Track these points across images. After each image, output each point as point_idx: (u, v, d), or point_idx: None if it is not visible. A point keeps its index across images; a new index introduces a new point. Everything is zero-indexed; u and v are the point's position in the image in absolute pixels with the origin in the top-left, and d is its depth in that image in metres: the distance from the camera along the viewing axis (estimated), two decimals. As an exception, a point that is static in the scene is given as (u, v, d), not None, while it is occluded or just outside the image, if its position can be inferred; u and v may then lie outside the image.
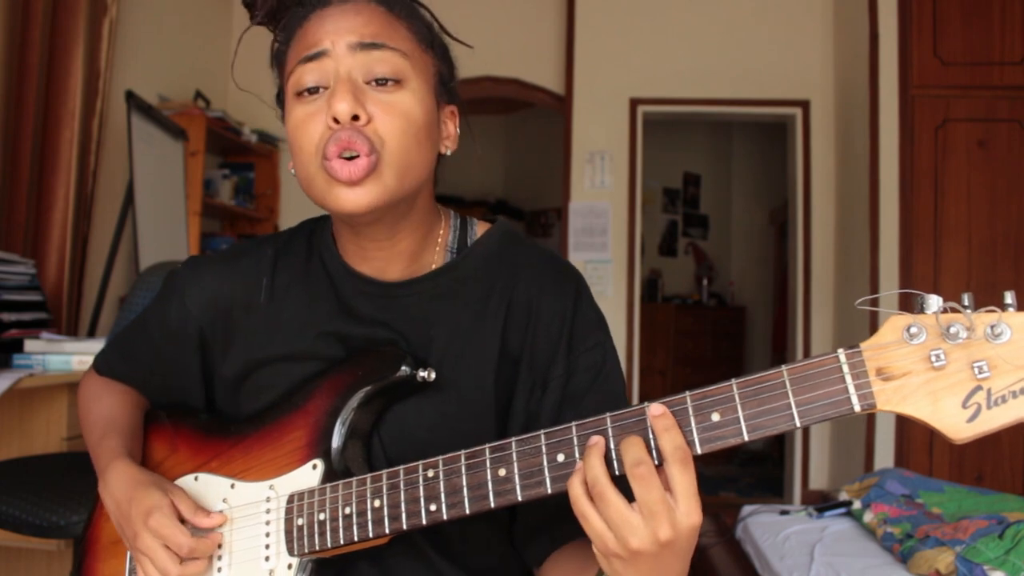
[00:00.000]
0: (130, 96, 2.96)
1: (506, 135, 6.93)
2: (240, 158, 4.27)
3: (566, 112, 4.35)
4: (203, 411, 0.98)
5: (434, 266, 0.90)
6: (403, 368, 0.81)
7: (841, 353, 0.60)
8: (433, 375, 0.82)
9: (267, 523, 0.83)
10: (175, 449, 0.94)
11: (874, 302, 0.62)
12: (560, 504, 0.80)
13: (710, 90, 4.30)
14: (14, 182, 2.66)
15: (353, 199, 0.78)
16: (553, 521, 0.85)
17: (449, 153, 0.89)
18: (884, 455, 3.51)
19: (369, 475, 0.77)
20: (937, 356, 0.57)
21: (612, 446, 0.65)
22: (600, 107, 4.33)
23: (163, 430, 0.98)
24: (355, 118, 0.77)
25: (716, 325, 6.24)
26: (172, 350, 0.97)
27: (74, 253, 2.86)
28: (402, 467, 0.75)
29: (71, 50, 2.84)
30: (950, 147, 3.51)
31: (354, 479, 0.78)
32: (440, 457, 0.73)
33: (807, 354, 4.22)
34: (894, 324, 0.59)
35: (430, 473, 0.73)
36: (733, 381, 0.63)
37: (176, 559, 0.80)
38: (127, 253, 3.11)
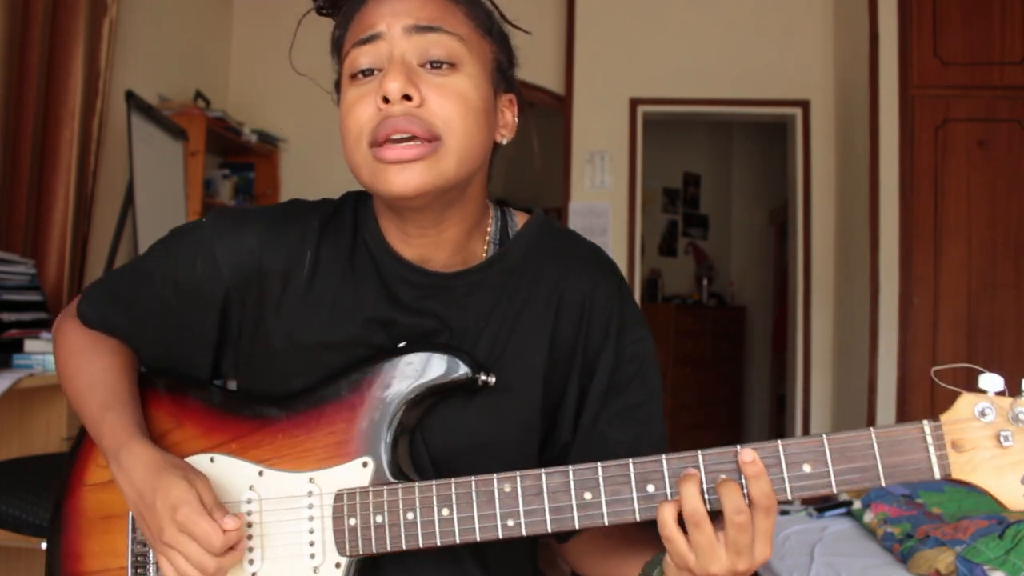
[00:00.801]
0: (130, 96, 2.96)
1: (506, 135, 6.92)
2: (240, 158, 4.27)
3: (566, 112, 4.35)
4: (209, 383, 0.91)
5: (481, 257, 0.88)
6: (463, 369, 0.79)
7: (926, 425, 0.67)
8: (493, 380, 0.81)
9: (310, 519, 0.79)
10: (180, 423, 0.88)
11: (947, 380, 0.71)
12: None
13: (710, 90, 4.30)
14: (14, 182, 2.66)
15: (403, 179, 0.76)
16: None
17: (505, 142, 0.87)
18: (884, 455, 3.51)
19: (434, 482, 0.75)
20: (1005, 437, 0.66)
21: (703, 481, 0.69)
22: (600, 107, 4.33)
23: (162, 399, 0.91)
24: (407, 98, 0.75)
25: (716, 325, 6.24)
26: (187, 310, 0.88)
27: (74, 253, 2.86)
28: (474, 478, 0.74)
29: (71, 50, 2.84)
30: (950, 147, 3.51)
31: (417, 485, 0.75)
32: (517, 473, 0.72)
33: (807, 354, 4.23)
34: (967, 402, 0.67)
35: (507, 488, 0.72)
36: (824, 436, 0.68)
37: (211, 553, 0.76)
38: (127, 253, 3.11)
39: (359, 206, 0.91)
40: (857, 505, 2.32)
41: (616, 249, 4.29)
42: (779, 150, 5.18)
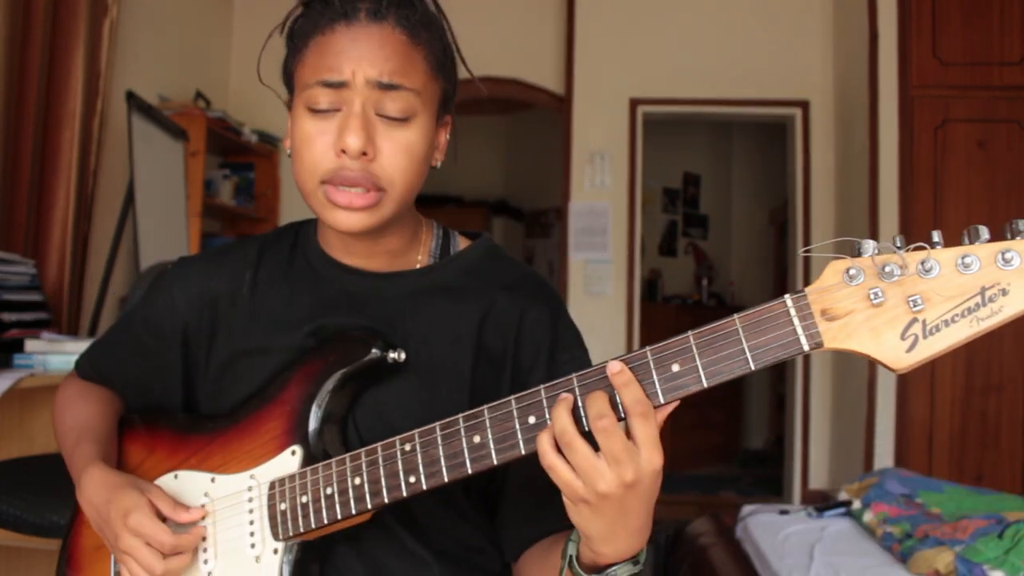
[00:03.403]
0: (130, 96, 2.96)
1: (506, 135, 6.93)
2: (240, 158, 4.27)
3: (566, 112, 4.35)
4: (180, 411, 0.98)
5: (418, 266, 0.94)
6: (373, 351, 0.84)
7: (788, 298, 0.64)
8: (403, 356, 0.85)
9: (250, 511, 0.84)
10: (152, 451, 0.95)
11: (816, 249, 0.66)
12: (534, 504, 0.86)
13: (710, 90, 4.30)
14: (14, 182, 2.66)
15: (349, 223, 0.84)
16: (528, 520, 0.88)
17: (439, 166, 0.93)
18: (884, 455, 3.51)
19: (348, 455, 0.79)
20: (875, 294, 0.62)
21: (580, 404, 0.68)
22: (600, 107, 4.33)
23: (137, 433, 0.99)
24: (363, 153, 0.82)
25: (716, 325, 6.23)
26: (156, 347, 0.98)
27: (74, 253, 2.86)
28: (380, 444, 0.77)
29: (71, 50, 2.84)
30: (949, 147, 3.51)
31: (333, 460, 0.80)
32: (416, 431, 0.75)
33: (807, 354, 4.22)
34: (835, 268, 0.63)
35: (407, 447, 0.75)
36: (690, 332, 0.66)
37: (160, 556, 0.80)
38: (127, 253, 3.12)
39: (301, 228, 1.00)
40: (857, 505, 2.32)
41: (616, 249, 4.29)
42: (779, 150, 5.18)
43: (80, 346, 2.18)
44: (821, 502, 2.67)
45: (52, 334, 2.30)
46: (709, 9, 4.33)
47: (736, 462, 5.76)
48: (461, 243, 0.98)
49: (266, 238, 1.00)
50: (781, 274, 5.74)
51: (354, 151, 0.81)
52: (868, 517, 2.21)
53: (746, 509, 2.53)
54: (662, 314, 5.95)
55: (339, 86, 0.82)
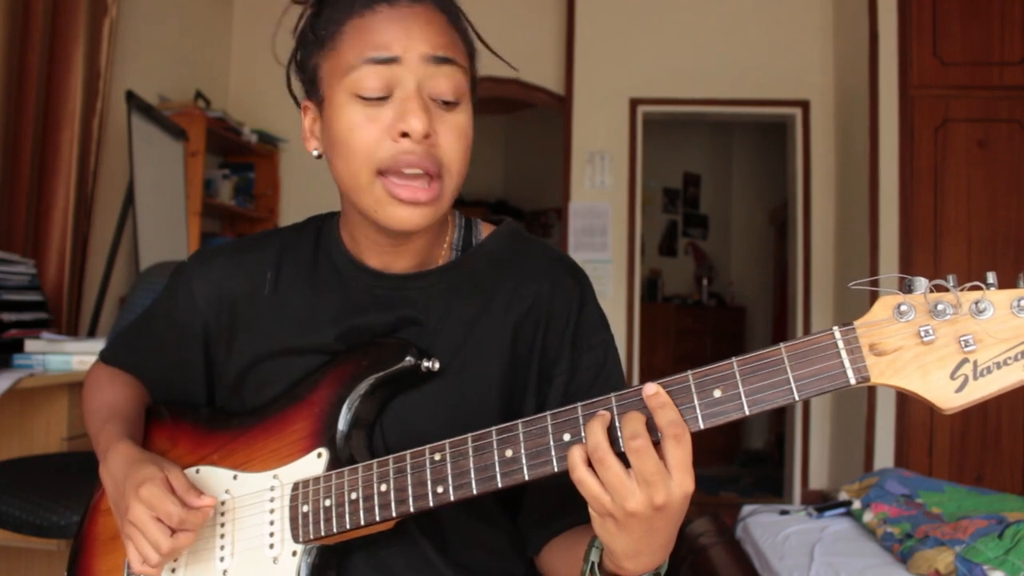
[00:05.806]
0: (130, 96, 2.96)
1: (506, 135, 6.93)
2: (240, 158, 4.27)
3: (566, 112, 4.35)
4: (204, 406, 0.98)
5: (440, 262, 0.91)
6: (407, 358, 0.82)
7: (836, 330, 0.63)
8: (437, 365, 0.83)
9: (271, 511, 0.83)
10: (175, 443, 0.94)
11: (871, 284, 0.66)
12: (560, 497, 0.84)
13: (710, 90, 4.30)
14: (14, 182, 2.66)
15: (409, 219, 0.80)
16: (552, 514, 0.87)
17: None
18: (884, 455, 3.51)
19: (375, 460, 0.77)
20: (926, 332, 0.61)
21: (617, 424, 0.67)
22: (600, 107, 4.33)
23: (163, 425, 0.98)
24: (426, 136, 0.78)
25: (716, 325, 6.24)
26: (177, 344, 0.97)
27: (74, 253, 2.86)
28: (408, 452, 0.75)
29: (71, 50, 2.84)
30: (950, 147, 3.51)
31: (360, 465, 0.78)
32: (447, 441, 0.73)
33: (807, 354, 4.22)
34: (885, 303, 0.63)
35: (437, 456, 0.73)
36: (734, 359, 0.65)
37: (167, 532, 0.78)
38: (127, 253, 3.12)
39: (323, 225, 0.96)
40: (857, 505, 2.32)
41: (616, 249, 4.29)
42: (779, 150, 5.18)
43: (79, 346, 2.19)
44: (821, 502, 2.67)
45: (52, 334, 2.30)
46: (709, 9, 4.33)
47: (736, 462, 5.76)
48: (484, 231, 0.95)
49: (287, 236, 0.97)
50: (781, 274, 5.74)
51: (419, 133, 0.76)
52: (868, 517, 2.21)
53: (746, 509, 2.53)
54: (662, 314, 5.95)
55: (390, 62, 0.77)
